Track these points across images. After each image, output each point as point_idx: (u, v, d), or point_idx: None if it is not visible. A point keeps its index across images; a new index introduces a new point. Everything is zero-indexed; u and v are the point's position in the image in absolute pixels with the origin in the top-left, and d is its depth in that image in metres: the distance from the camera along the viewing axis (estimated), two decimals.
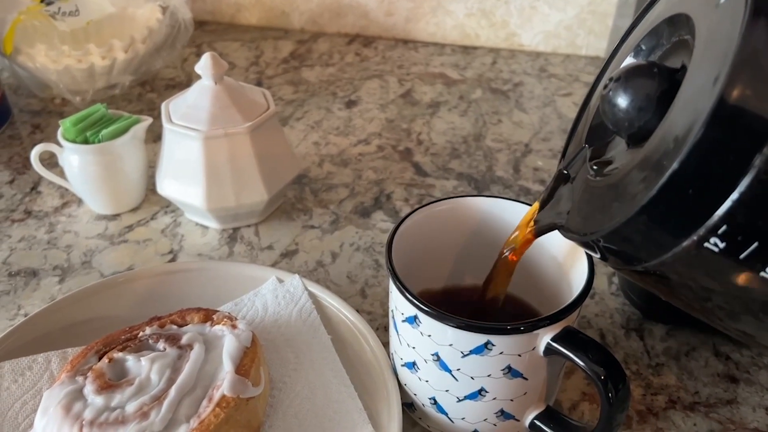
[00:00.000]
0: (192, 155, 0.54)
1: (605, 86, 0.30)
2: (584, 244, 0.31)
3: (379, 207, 0.63)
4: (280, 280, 0.48)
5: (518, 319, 0.34)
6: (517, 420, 0.38)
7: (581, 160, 0.34)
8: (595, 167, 0.32)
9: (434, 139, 0.74)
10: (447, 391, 0.37)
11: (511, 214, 0.42)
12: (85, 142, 0.57)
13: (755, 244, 0.24)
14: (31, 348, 0.43)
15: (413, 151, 0.71)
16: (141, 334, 0.41)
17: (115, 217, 0.61)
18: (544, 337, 0.34)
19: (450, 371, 0.36)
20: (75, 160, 0.58)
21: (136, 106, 0.80)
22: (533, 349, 0.35)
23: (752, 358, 0.47)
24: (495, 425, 0.38)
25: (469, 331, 0.34)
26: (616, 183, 0.29)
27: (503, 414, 0.38)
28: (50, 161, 0.63)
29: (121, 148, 0.58)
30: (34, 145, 0.59)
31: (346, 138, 0.74)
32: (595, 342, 0.34)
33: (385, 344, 0.43)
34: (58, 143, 0.58)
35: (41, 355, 0.42)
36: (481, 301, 0.41)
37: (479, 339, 0.34)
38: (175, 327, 0.41)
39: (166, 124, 0.55)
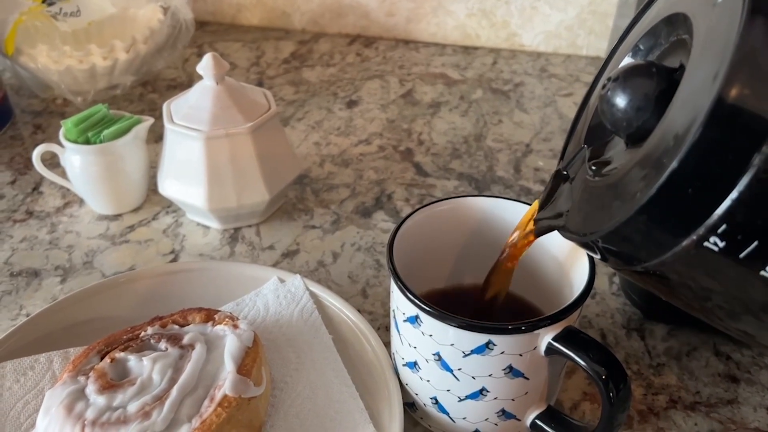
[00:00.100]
0: (193, 155, 0.54)
1: (603, 86, 0.30)
2: (584, 245, 0.31)
3: (380, 207, 0.63)
4: (282, 280, 0.48)
5: (520, 318, 0.34)
6: (519, 420, 0.38)
7: (580, 161, 0.35)
8: (593, 167, 0.32)
9: (435, 139, 0.74)
10: (448, 390, 0.37)
11: (512, 214, 0.42)
12: (87, 142, 0.57)
13: (755, 243, 0.24)
14: (33, 348, 0.43)
15: (414, 151, 0.71)
16: (143, 334, 0.41)
17: (116, 217, 0.61)
18: (546, 337, 0.34)
19: (451, 371, 0.36)
20: (76, 161, 0.58)
21: (138, 106, 0.80)
22: (534, 348, 0.35)
23: (753, 357, 0.47)
24: (496, 425, 0.38)
25: (471, 330, 0.34)
26: (615, 183, 0.29)
27: (504, 414, 0.38)
28: (52, 162, 0.63)
29: (123, 149, 0.58)
30: (36, 145, 0.59)
31: (347, 138, 0.74)
32: (596, 342, 0.34)
33: (387, 344, 0.43)
34: (59, 144, 0.58)
35: (43, 355, 0.42)
36: (482, 300, 0.41)
37: (480, 339, 0.34)
38: (176, 327, 0.41)
39: (167, 125, 0.55)
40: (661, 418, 0.43)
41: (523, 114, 0.79)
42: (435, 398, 0.38)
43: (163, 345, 0.39)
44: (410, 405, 0.41)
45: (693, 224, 0.25)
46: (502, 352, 0.34)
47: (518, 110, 0.80)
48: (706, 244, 0.25)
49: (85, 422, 0.35)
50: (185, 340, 0.39)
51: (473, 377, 0.36)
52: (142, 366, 0.38)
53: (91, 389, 0.37)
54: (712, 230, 0.24)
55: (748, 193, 0.23)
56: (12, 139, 0.74)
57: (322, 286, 0.48)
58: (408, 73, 0.89)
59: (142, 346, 0.40)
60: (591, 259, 0.37)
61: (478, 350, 0.35)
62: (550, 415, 0.39)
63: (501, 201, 0.43)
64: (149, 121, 0.60)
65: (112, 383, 0.37)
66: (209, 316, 0.42)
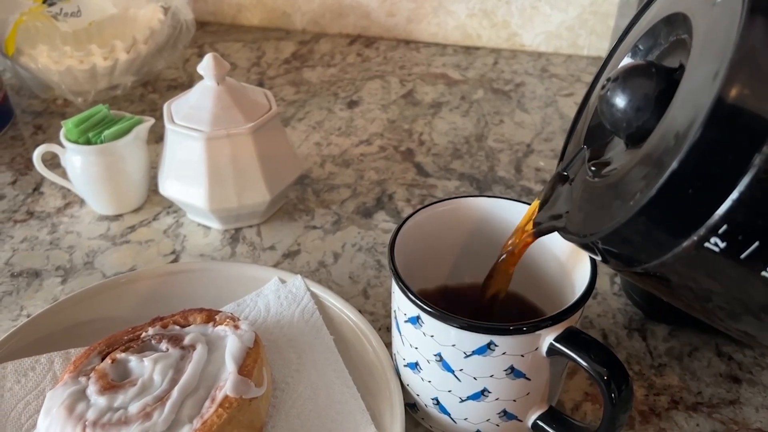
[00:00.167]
0: (194, 156, 0.54)
1: (603, 86, 0.30)
2: (584, 246, 0.31)
3: (381, 207, 0.63)
4: (283, 281, 0.48)
5: (521, 318, 0.34)
6: (520, 420, 0.38)
7: (580, 161, 0.34)
8: (593, 168, 0.32)
9: (436, 139, 0.74)
10: (450, 391, 0.37)
11: (513, 214, 0.42)
12: (88, 142, 0.57)
13: (756, 244, 0.24)
14: (33, 349, 0.43)
15: (415, 151, 0.71)
16: (144, 334, 0.41)
17: (117, 217, 0.61)
18: (547, 338, 0.34)
19: (453, 371, 0.36)
20: (77, 161, 0.58)
21: (138, 106, 0.80)
22: (536, 349, 0.35)
23: (755, 358, 0.47)
24: (498, 426, 0.38)
25: (472, 331, 0.34)
26: (615, 184, 0.29)
27: (506, 414, 0.38)
28: (52, 162, 0.63)
29: (124, 149, 0.58)
30: (37, 145, 0.59)
31: (348, 138, 0.74)
32: (598, 342, 0.34)
33: (388, 345, 0.43)
34: (60, 144, 0.58)
35: (44, 355, 0.42)
36: (481, 300, 0.41)
37: (482, 339, 0.34)
38: (177, 327, 0.41)
39: (168, 125, 0.55)
40: (662, 419, 0.43)
41: (524, 114, 0.79)
42: (436, 399, 0.38)
43: (164, 346, 0.39)
44: (411, 406, 0.41)
45: (693, 225, 0.25)
46: (503, 353, 0.34)
47: (519, 110, 0.80)
48: (706, 244, 0.25)
49: (86, 423, 0.35)
50: (186, 340, 0.39)
51: (475, 378, 0.36)
52: (143, 367, 0.38)
53: (92, 390, 0.37)
54: (713, 231, 0.24)
55: (748, 193, 0.23)
56: (12, 139, 0.74)
57: (323, 286, 0.48)
58: (409, 73, 0.89)
59: (143, 347, 0.40)
60: (593, 260, 0.37)
61: (480, 351, 0.35)
62: (551, 415, 0.39)
63: (502, 201, 0.43)
64: (150, 121, 0.60)
65: (113, 384, 0.37)
66: (210, 316, 0.42)
